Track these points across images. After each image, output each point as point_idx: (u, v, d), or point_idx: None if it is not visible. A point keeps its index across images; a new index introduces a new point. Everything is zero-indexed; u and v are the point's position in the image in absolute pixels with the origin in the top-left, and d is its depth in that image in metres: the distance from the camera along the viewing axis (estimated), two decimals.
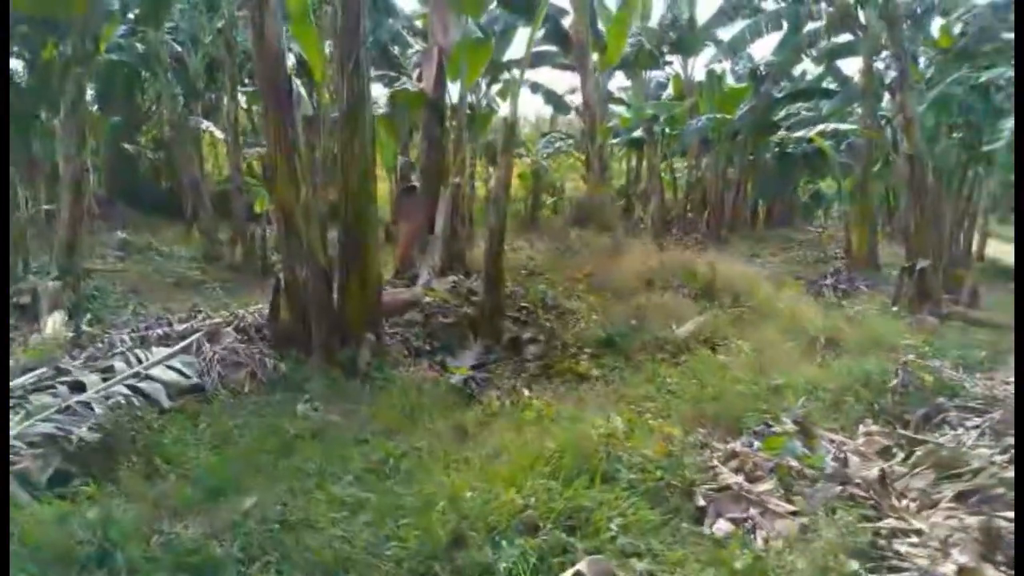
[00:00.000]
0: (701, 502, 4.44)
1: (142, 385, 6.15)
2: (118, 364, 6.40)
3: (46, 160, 15.53)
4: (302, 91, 7.59)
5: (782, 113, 26.05)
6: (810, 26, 21.65)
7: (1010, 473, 3.86)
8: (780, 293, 10.18)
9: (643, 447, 5.02)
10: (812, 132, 17.54)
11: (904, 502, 3.89)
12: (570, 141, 30.90)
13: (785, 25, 22.03)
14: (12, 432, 5.05)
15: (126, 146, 22.33)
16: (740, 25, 22.36)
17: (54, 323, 9.87)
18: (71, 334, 7.97)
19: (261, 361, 7.10)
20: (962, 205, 16.08)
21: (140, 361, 6.56)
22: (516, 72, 9.40)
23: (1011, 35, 17.06)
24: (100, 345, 7.15)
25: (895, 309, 11.65)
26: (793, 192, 32.43)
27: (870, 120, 17.64)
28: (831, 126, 16.92)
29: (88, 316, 10.46)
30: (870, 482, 4.02)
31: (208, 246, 16.61)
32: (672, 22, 23.13)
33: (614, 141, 26.32)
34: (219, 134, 22.37)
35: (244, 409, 6.29)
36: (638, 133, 24.38)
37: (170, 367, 6.59)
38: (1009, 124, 14.44)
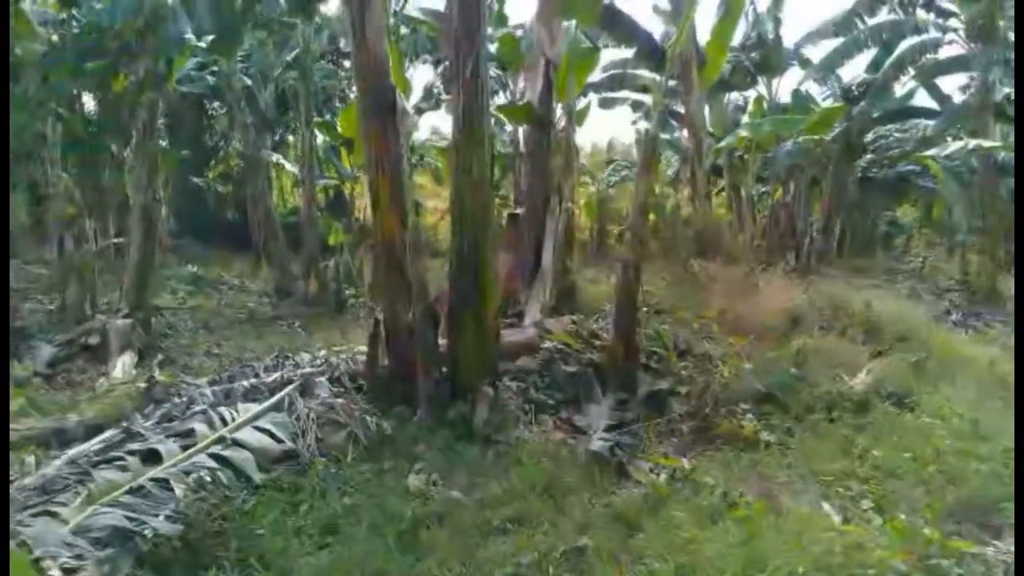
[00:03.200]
0: None
1: (228, 454, 5.06)
2: (199, 426, 5.32)
3: (116, 192, 15.07)
4: (407, 106, 6.50)
5: (869, 136, 24.51)
6: (909, 41, 20.32)
7: None
8: (948, 334, 8.69)
9: (889, 556, 3.69)
10: (947, 151, 15.74)
11: None
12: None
13: (884, 39, 20.66)
14: (72, 521, 4.01)
15: (195, 179, 21.98)
16: (829, 44, 21.13)
17: (124, 365, 9.04)
18: (143, 385, 6.97)
19: (362, 419, 5.95)
20: None
21: (224, 422, 5.48)
22: (654, 89, 8.18)
23: None
24: (177, 400, 6.12)
25: None
26: (874, 220, 30.63)
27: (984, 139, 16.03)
28: (974, 142, 15.08)
29: (160, 357, 9.63)
30: None
31: (280, 280, 15.78)
32: (757, 41, 21.85)
33: None
34: (289, 166, 21.97)
35: (349, 483, 5.14)
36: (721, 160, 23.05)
37: (259, 428, 5.50)
38: None
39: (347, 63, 25.86)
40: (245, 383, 6.32)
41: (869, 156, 25.30)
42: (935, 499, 4.58)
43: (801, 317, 8.65)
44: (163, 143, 19.94)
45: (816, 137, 19.87)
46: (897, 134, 26.12)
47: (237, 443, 5.23)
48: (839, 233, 28.03)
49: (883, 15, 19.82)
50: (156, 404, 6.23)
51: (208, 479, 4.70)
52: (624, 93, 20.05)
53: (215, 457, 5.00)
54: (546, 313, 8.35)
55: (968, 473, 4.97)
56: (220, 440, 5.21)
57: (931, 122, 22.65)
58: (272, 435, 5.47)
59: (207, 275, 16.60)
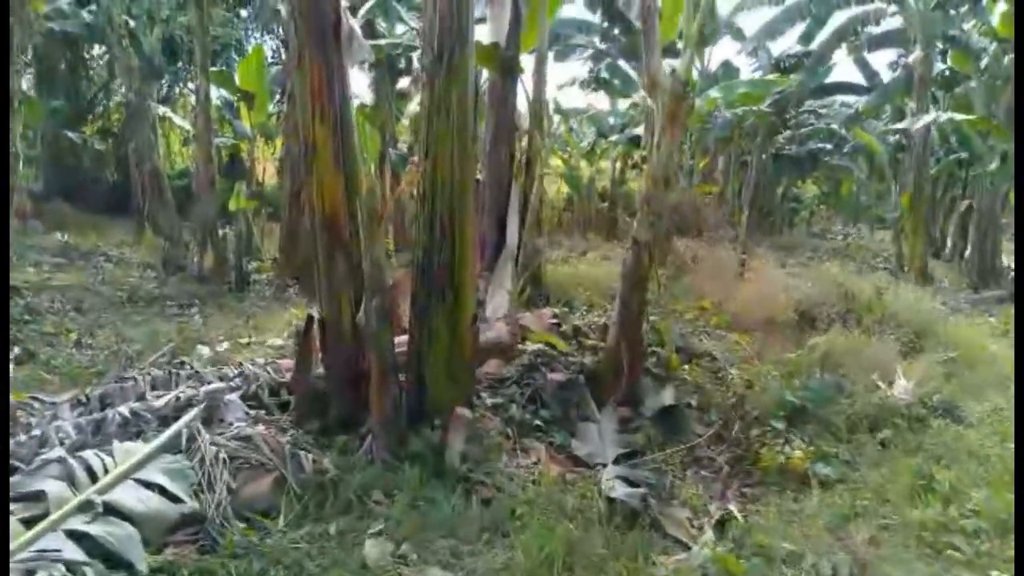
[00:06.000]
0: None
1: (99, 530, 3.36)
2: (53, 486, 3.57)
3: None
4: (356, 29, 4.80)
5: (792, 111, 24.30)
6: (846, 13, 19.88)
7: None
8: (962, 325, 7.76)
9: None
10: (918, 123, 15.27)
11: None
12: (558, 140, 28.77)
13: (820, 11, 20.19)
14: None
15: (69, 135, 19.10)
16: (761, 14, 20.71)
17: None
18: None
19: (293, 457, 4.32)
20: None
21: (93, 475, 3.74)
22: (687, 23, 6.79)
23: None
24: (23, 437, 4.24)
25: None
26: (783, 196, 30.82)
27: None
28: (946, 115, 14.50)
29: (15, 351, 7.59)
30: None
31: (168, 251, 13.55)
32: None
33: (613, 138, 24.34)
34: (179, 121, 19.45)
35: (281, 562, 3.54)
36: (640, 130, 22.17)
37: (145, 483, 3.80)
38: None
39: (244, 12, 23.31)
40: (123, 409, 4.51)
41: (787, 132, 25.23)
42: None
43: (810, 308, 7.51)
44: (25, 86, 17.13)
45: (756, 108, 19.20)
46: (821, 110, 26.06)
47: (113, 510, 3.52)
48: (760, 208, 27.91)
49: None
50: None
51: None
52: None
53: (78, 537, 3.30)
54: (517, 305, 6.81)
55: None
56: (86, 506, 3.48)
57: (860, 98, 22.45)
58: (164, 491, 3.78)
59: (80, 245, 14.19)
